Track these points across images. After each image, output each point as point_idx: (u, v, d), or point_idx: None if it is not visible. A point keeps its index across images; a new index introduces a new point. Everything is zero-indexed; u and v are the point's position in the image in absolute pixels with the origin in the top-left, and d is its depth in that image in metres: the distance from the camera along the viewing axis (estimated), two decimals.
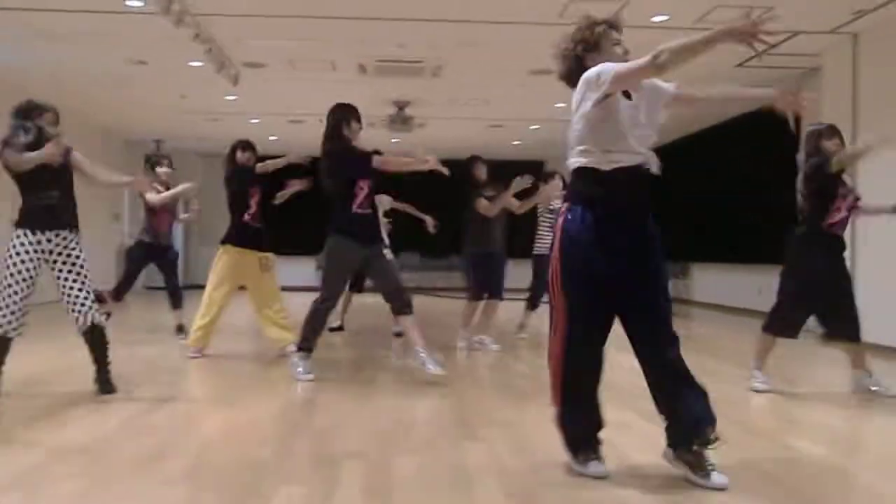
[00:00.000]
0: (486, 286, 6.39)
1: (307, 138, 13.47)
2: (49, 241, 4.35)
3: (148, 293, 13.79)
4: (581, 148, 2.81)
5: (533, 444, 3.42)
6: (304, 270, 14.78)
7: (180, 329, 7.02)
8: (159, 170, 7.27)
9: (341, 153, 4.85)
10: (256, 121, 12.23)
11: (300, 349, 4.86)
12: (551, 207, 6.87)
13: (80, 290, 4.35)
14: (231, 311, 7.47)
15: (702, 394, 2.81)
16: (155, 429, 3.59)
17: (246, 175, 6.07)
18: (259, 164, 6.23)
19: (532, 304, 7.00)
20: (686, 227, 12.16)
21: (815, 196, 4.66)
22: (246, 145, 6.23)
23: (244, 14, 6.94)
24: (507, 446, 3.33)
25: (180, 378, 5.25)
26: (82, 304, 4.32)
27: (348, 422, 3.81)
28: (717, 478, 2.73)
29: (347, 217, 4.79)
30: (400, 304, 4.83)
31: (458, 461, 3.08)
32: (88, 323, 4.32)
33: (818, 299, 4.59)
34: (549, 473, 2.93)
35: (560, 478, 2.87)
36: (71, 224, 4.50)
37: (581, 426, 2.90)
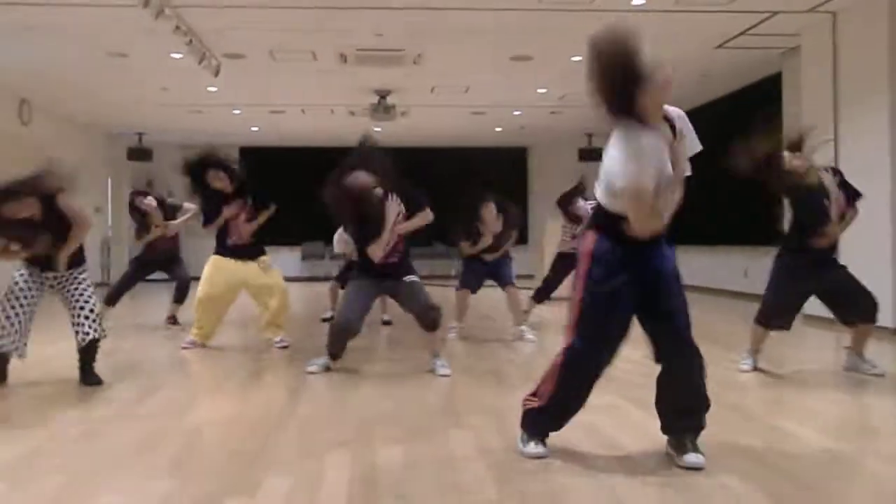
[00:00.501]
0: (473, 284, 6.47)
1: (288, 128, 13.52)
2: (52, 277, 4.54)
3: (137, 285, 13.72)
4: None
5: (520, 432, 3.43)
6: (289, 260, 14.77)
7: (174, 321, 7.08)
8: (146, 200, 7.26)
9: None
10: (238, 112, 12.17)
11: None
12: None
13: (82, 307, 4.50)
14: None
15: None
16: (141, 420, 3.58)
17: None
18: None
19: (539, 297, 6.99)
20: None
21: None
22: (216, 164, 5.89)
23: (224, 5, 6.89)
24: (494, 434, 3.34)
25: (167, 369, 5.24)
26: (85, 319, 4.48)
27: (334, 411, 3.82)
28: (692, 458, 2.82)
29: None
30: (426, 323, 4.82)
31: (444, 449, 3.09)
32: (89, 340, 4.46)
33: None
34: (536, 460, 2.95)
35: (548, 464, 2.89)
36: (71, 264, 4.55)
37: (547, 426, 3.03)
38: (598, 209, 2.93)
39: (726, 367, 4.87)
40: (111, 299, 7.16)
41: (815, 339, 6.50)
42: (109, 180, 14.50)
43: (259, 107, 11.75)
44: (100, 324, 4.55)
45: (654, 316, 2.91)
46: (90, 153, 13.44)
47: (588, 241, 2.90)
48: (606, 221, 2.86)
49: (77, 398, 4.13)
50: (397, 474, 2.76)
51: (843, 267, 4.71)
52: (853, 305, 4.59)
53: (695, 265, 12.15)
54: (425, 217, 4.91)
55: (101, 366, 5.01)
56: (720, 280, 11.01)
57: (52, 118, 11.56)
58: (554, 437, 3.25)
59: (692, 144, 2.97)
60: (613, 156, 2.73)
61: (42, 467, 2.86)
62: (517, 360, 5.45)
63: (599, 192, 2.88)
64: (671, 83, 2.73)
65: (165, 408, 3.93)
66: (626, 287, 2.83)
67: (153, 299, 10.37)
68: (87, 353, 4.51)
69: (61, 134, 11.90)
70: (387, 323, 7.34)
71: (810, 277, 4.57)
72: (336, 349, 4.86)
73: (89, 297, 4.54)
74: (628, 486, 2.62)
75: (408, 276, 4.86)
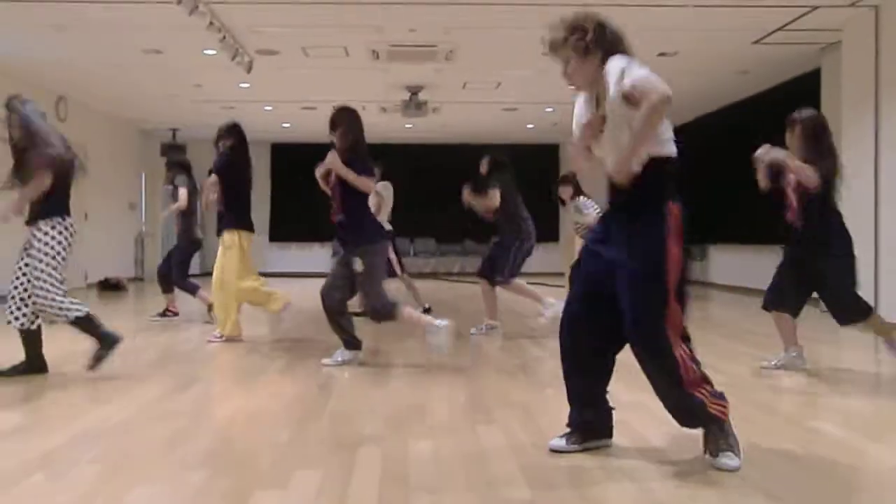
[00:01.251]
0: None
1: (320, 125, 13.53)
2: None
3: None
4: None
5: (549, 426, 3.41)
6: (320, 256, 14.88)
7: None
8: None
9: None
10: (270, 108, 12.25)
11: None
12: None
13: (15, 287, 4.44)
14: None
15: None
16: (174, 414, 3.62)
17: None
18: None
19: None
20: (703, 207, 12.05)
21: None
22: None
23: (257, 1, 6.93)
24: (523, 428, 3.33)
25: (198, 363, 5.29)
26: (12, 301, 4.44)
27: (364, 406, 3.82)
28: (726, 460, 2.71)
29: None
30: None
31: (474, 444, 3.08)
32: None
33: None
34: (566, 456, 2.92)
35: (578, 460, 2.87)
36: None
37: (570, 388, 2.97)
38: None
39: (753, 366, 4.79)
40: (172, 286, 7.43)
41: (850, 338, 6.37)
42: (143, 176, 14.70)
43: (291, 103, 11.82)
44: (31, 312, 4.40)
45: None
46: (125, 149, 13.64)
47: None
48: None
49: (111, 392, 4.18)
50: (428, 469, 2.76)
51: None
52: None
53: (726, 264, 12.00)
54: (365, 182, 4.86)
55: (135, 360, 5.08)
56: (752, 279, 10.85)
57: (89, 114, 11.74)
58: None
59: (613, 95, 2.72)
60: None
61: (77, 459, 2.90)
62: (545, 356, 5.42)
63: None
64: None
65: (198, 402, 3.97)
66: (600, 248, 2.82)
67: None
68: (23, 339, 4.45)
69: (97, 130, 12.09)
70: (427, 310, 7.35)
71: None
72: (336, 331, 4.96)
73: (32, 279, 4.34)
74: (661, 484, 2.58)
75: (356, 258, 4.79)
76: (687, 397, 2.72)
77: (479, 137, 14.81)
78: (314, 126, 13.71)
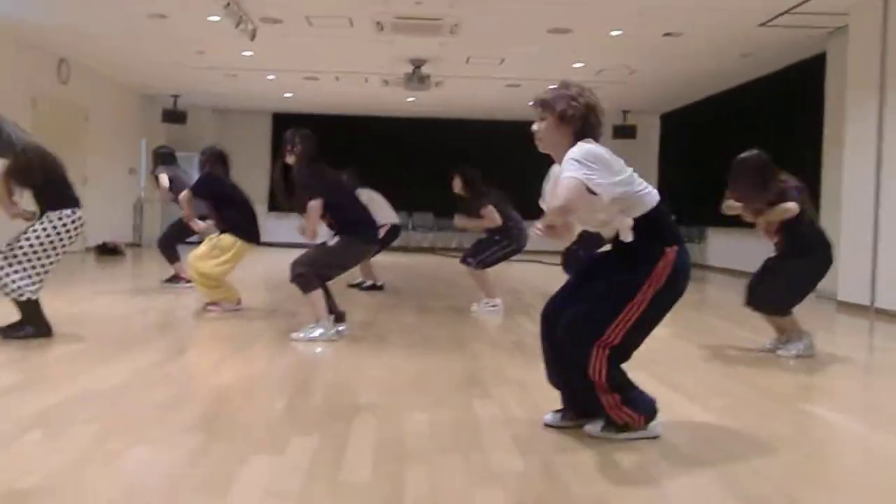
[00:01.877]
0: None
1: (322, 95, 13.51)
2: None
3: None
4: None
5: (545, 401, 3.44)
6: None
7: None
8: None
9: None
10: (272, 77, 12.17)
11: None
12: None
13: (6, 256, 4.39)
14: (246, 267, 7.56)
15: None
16: (170, 379, 3.64)
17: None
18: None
19: None
20: (702, 189, 12.04)
21: None
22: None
23: None
24: (518, 403, 3.35)
25: (195, 330, 5.32)
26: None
27: (360, 377, 3.84)
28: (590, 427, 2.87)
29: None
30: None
31: (469, 417, 3.11)
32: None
33: None
34: (561, 431, 2.95)
35: (573, 435, 2.90)
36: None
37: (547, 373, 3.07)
38: None
39: (751, 349, 4.82)
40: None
41: (847, 324, 6.41)
42: (144, 142, 14.64)
43: (293, 73, 11.74)
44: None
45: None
46: (126, 114, 13.56)
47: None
48: None
49: (109, 355, 4.20)
50: (423, 440, 2.78)
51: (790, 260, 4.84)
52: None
53: (724, 247, 12.02)
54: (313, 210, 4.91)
55: (131, 325, 5.12)
56: (750, 263, 10.84)
57: (91, 78, 11.66)
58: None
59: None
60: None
61: (75, 418, 2.92)
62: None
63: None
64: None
65: (194, 367, 3.99)
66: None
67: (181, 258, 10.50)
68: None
69: (99, 93, 12.01)
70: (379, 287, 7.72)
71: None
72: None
73: (19, 250, 4.34)
74: (655, 460, 2.61)
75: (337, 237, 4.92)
76: (592, 389, 2.82)
77: (482, 113, 14.75)
78: (316, 96, 13.66)
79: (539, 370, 3.98)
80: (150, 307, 6.04)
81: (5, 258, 4.34)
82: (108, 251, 11.48)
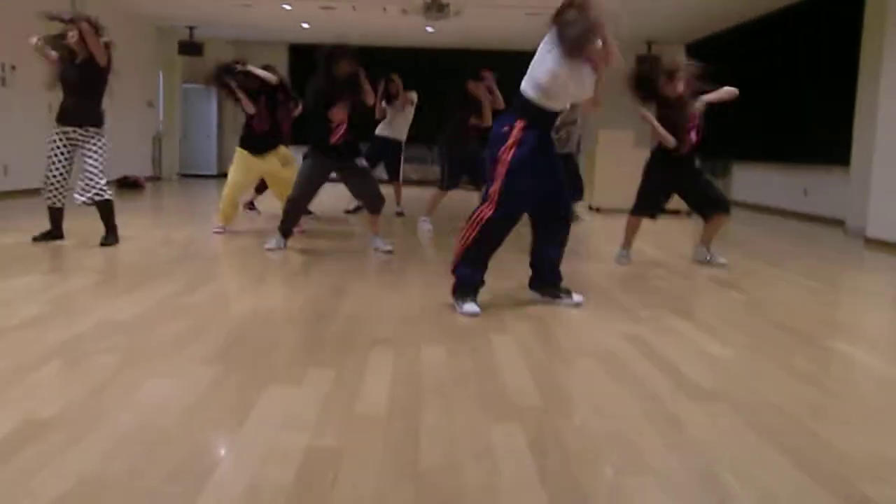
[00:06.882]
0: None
1: (340, 25, 13.23)
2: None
3: (183, 180, 13.91)
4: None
5: (564, 337, 3.41)
6: None
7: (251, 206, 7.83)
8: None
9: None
10: (288, 7, 11.92)
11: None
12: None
13: (87, 170, 5.40)
14: (264, 201, 7.53)
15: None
16: (188, 310, 3.65)
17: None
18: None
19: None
20: (726, 122, 11.73)
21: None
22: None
23: None
24: (536, 339, 3.33)
25: (214, 262, 5.32)
26: (86, 182, 5.40)
27: (377, 310, 3.83)
28: (575, 297, 3.97)
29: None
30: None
31: (486, 351, 3.09)
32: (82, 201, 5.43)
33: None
34: (579, 362, 2.93)
35: (591, 367, 2.87)
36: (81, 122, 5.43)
37: (471, 280, 3.81)
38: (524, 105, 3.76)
39: (773, 284, 4.75)
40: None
41: (873, 262, 6.30)
42: (161, 74, 14.49)
43: (309, 2, 11.48)
44: (98, 190, 5.37)
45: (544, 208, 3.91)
46: (142, 46, 13.40)
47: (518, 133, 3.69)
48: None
49: (129, 287, 4.22)
50: (439, 372, 2.77)
51: (701, 171, 5.55)
52: (711, 201, 5.47)
53: (749, 182, 11.79)
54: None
55: (152, 257, 5.13)
56: (777, 199, 10.67)
57: (105, 9, 11.46)
58: (597, 345, 3.24)
59: None
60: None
61: (92, 349, 2.93)
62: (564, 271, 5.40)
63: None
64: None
65: (212, 299, 3.99)
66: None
67: (200, 191, 10.50)
68: (101, 213, 5.48)
69: (114, 25, 11.75)
70: (400, 214, 8.27)
71: (674, 176, 5.44)
72: (288, 227, 5.58)
73: (95, 162, 5.37)
74: (674, 397, 2.58)
75: (360, 161, 5.55)
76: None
77: (502, 43, 14.40)
78: (334, 26, 13.37)
79: (556, 305, 3.95)
80: (171, 240, 6.05)
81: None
82: (128, 185, 11.50)
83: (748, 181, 11.88)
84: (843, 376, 3.01)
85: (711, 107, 5.45)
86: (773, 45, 10.44)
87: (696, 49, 13.37)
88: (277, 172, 6.57)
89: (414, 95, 8.52)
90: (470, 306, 3.72)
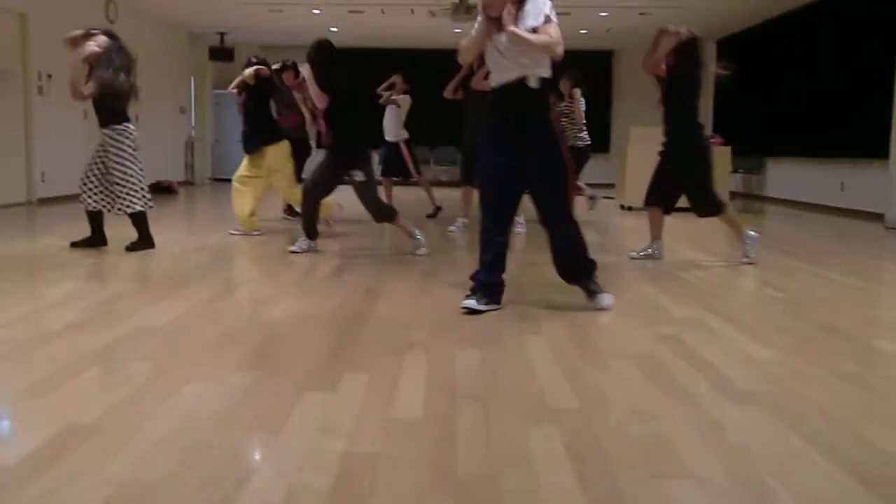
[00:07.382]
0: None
1: (368, 29, 13.29)
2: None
3: (215, 185, 14.07)
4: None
5: (599, 338, 3.38)
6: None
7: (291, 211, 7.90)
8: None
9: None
10: (317, 12, 11.99)
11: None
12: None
13: (117, 182, 5.49)
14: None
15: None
16: (222, 315, 3.67)
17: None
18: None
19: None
20: (760, 119, 11.58)
21: None
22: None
23: None
24: (569, 340, 3.29)
25: (248, 267, 5.36)
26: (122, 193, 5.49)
27: (410, 312, 3.82)
28: (604, 300, 3.83)
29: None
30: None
31: (520, 353, 3.06)
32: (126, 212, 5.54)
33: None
34: (615, 363, 2.89)
35: (627, 369, 2.84)
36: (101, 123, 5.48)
37: (474, 278, 3.88)
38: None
39: (813, 282, 4.66)
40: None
41: None
42: (192, 80, 14.67)
43: (338, 6, 11.54)
44: (128, 203, 5.45)
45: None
46: (174, 52, 13.57)
47: None
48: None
49: (162, 292, 4.26)
50: (474, 376, 2.75)
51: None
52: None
53: (784, 178, 11.61)
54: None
55: (186, 263, 5.17)
56: (814, 194, 10.48)
57: (138, 16, 11.65)
58: (633, 346, 3.20)
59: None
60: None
61: (129, 355, 2.96)
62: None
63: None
64: None
65: (248, 303, 4.02)
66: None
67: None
68: (133, 221, 5.54)
69: (146, 32, 12.01)
70: (430, 216, 8.47)
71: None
72: (310, 225, 5.64)
73: (120, 171, 5.41)
74: (715, 401, 2.53)
75: (356, 174, 5.49)
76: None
77: None
78: (362, 30, 13.44)
79: (589, 307, 3.90)
80: (205, 245, 6.11)
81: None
82: (161, 190, 11.64)
83: (783, 177, 11.69)
84: (889, 376, 2.93)
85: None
86: (808, 38, 10.27)
87: (728, 45, 13.20)
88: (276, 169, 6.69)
89: (400, 97, 8.54)
90: (468, 301, 3.78)
